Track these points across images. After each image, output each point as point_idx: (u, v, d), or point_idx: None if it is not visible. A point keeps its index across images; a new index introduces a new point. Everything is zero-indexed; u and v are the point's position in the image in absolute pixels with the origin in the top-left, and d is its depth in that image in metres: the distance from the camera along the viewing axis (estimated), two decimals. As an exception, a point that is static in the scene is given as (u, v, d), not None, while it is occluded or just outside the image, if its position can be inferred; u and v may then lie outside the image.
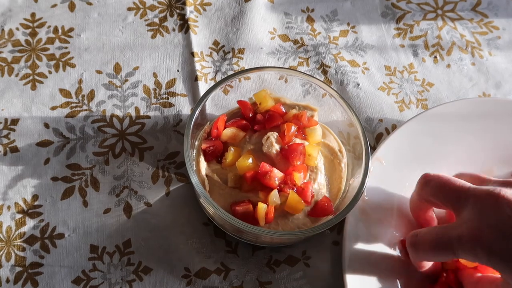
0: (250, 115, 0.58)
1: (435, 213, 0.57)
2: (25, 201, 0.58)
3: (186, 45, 0.69)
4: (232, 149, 0.55)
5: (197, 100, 0.56)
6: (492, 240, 0.44)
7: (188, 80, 0.67)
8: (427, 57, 0.72)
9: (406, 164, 0.61)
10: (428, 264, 0.54)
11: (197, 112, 0.54)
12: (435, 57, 0.73)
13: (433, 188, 0.52)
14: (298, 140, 0.56)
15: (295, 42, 0.72)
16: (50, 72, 0.66)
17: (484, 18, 0.77)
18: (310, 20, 0.74)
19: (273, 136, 0.55)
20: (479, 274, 0.53)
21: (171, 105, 0.65)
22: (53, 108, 0.64)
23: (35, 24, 0.69)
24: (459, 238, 0.46)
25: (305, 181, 0.55)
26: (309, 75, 0.59)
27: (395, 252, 0.57)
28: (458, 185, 0.49)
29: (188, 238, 0.58)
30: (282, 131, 0.55)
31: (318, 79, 0.58)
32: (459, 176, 0.55)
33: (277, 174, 0.52)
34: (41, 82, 0.65)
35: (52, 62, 0.66)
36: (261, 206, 0.51)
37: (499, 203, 0.44)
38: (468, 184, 0.49)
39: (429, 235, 0.51)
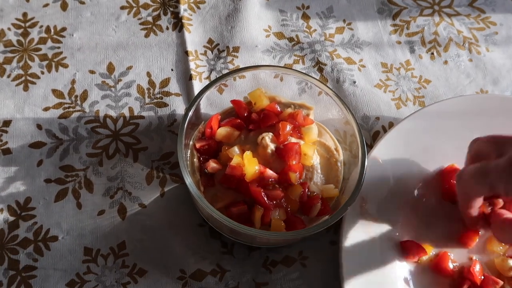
0: (245, 114, 0.58)
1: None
2: (18, 203, 0.58)
3: (180, 44, 0.68)
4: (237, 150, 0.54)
5: (191, 100, 0.55)
6: None
7: (182, 79, 0.66)
8: (424, 54, 0.72)
9: (404, 162, 0.60)
10: (473, 210, 0.55)
11: (191, 111, 0.53)
12: (432, 53, 0.72)
13: (484, 142, 0.53)
14: (293, 139, 0.55)
15: (291, 39, 0.71)
16: (42, 73, 0.65)
17: (481, 13, 0.76)
18: (305, 17, 0.73)
19: (268, 136, 0.54)
20: (507, 216, 0.54)
21: (165, 105, 0.64)
22: (46, 109, 0.63)
23: (27, 24, 0.68)
24: (497, 166, 0.48)
25: (301, 180, 0.54)
26: (305, 73, 0.58)
27: (393, 252, 0.57)
28: (488, 167, 0.50)
29: (183, 240, 0.57)
30: (277, 130, 0.55)
31: (314, 78, 0.58)
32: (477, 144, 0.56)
33: (270, 175, 0.51)
34: (34, 83, 0.64)
35: (45, 63, 0.66)
36: (258, 210, 0.51)
37: None
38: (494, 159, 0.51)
39: (471, 168, 0.52)
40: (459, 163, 0.61)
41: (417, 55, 0.71)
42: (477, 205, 0.54)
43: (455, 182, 0.56)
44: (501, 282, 0.56)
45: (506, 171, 0.47)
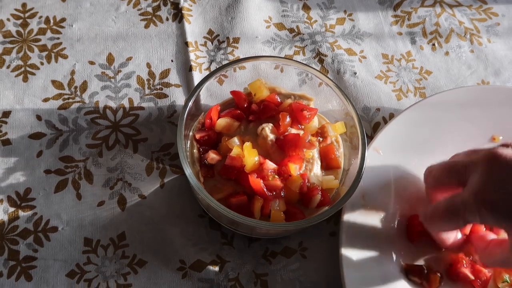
0: (245, 105, 0.57)
1: None
2: (17, 194, 0.58)
3: (180, 35, 0.68)
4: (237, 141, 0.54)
5: (191, 91, 0.55)
6: (495, 199, 0.44)
7: (182, 70, 0.66)
8: (425, 45, 0.71)
9: (404, 153, 0.60)
10: (450, 238, 0.54)
11: (190, 102, 0.53)
12: (433, 44, 0.71)
13: (435, 176, 0.53)
14: (293, 130, 0.55)
15: (291, 30, 0.70)
16: (42, 64, 0.65)
17: (483, 4, 0.75)
18: (306, 8, 0.73)
19: (268, 126, 0.54)
20: (491, 237, 0.53)
21: (165, 96, 0.64)
22: (46, 100, 0.63)
23: (26, 15, 0.68)
24: (465, 202, 0.47)
25: (301, 172, 0.54)
26: (305, 64, 0.58)
27: (393, 243, 0.57)
28: (457, 162, 0.50)
29: (183, 231, 0.57)
30: (277, 121, 0.55)
31: (314, 69, 0.57)
32: (455, 156, 0.55)
33: (270, 166, 0.51)
34: (33, 74, 0.64)
35: (44, 53, 0.65)
36: (258, 200, 0.50)
37: (498, 162, 0.45)
38: (467, 158, 0.50)
39: (437, 207, 0.51)
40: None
41: (418, 46, 0.71)
42: (453, 235, 0.54)
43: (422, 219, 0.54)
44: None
45: (475, 205, 0.46)
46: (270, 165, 0.51)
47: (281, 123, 0.54)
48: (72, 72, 0.65)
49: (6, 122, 0.61)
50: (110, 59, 0.66)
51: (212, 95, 0.59)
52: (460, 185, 0.49)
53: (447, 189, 0.53)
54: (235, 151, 0.52)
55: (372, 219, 0.57)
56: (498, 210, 0.44)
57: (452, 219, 0.49)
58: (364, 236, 0.56)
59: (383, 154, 0.59)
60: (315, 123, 0.57)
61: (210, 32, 0.69)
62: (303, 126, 0.56)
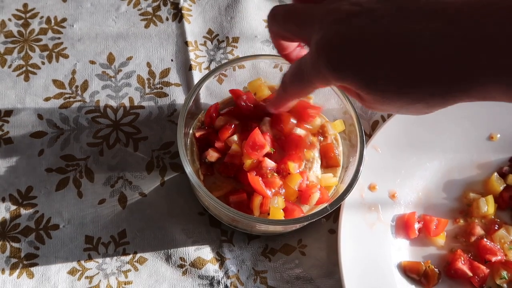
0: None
1: None
2: (19, 192, 0.58)
3: (180, 34, 0.69)
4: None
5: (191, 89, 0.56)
6: (331, 47, 0.39)
7: (182, 69, 0.66)
8: (423, 44, 0.71)
9: (402, 151, 0.60)
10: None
11: (190, 101, 0.54)
12: (432, 43, 0.72)
13: (280, 19, 0.47)
14: (298, 130, 0.55)
15: (290, 30, 0.71)
16: (43, 63, 0.65)
17: None
18: (305, 7, 0.73)
19: (265, 123, 0.54)
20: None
21: (165, 95, 0.65)
22: (47, 99, 0.63)
23: (28, 15, 0.68)
24: (305, 62, 0.42)
25: (300, 170, 0.54)
26: (304, 62, 0.58)
27: (391, 240, 0.57)
28: (304, 9, 0.44)
29: (183, 228, 0.58)
30: (279, 121, 0.55)
31: (313, 67, 0.57)
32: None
33: (269, 164, 0.52)
34: (34, 73, 0.65)
35: (45, 53, 0.66)
36: (257, 197, 0.51)
37: (338, 16, 0.39)
38: (315, 7, 0.43)
39: (287, 71, 0.47)
40: (459, 152, 0.61)
41: (416, 45, 0.71)
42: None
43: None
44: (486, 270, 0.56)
45: (315, 54, 0.40)
46: (269, 163, 0.52)
47: (283, 125, 0.54)
48: (73, 72, 0.65)
49: (8, 121, 0.62)
50: (111, 58, 0.66)
51: (212, 94, 0.60)
52: (301, 36, 0.44)
53: (289, 37, 0.46)
54: (234, 149, 0.52)
55: (371, 216, 0.57)
56: (332, 57, 0.39)
57: (299, 79, 0.44)
58: (362, 234, 0.56)
59: (381, 152, 0.60)
60: (318, 121, 0.57)
61: (209, 31, 0.69)
62: (309, 126, 0.56)
